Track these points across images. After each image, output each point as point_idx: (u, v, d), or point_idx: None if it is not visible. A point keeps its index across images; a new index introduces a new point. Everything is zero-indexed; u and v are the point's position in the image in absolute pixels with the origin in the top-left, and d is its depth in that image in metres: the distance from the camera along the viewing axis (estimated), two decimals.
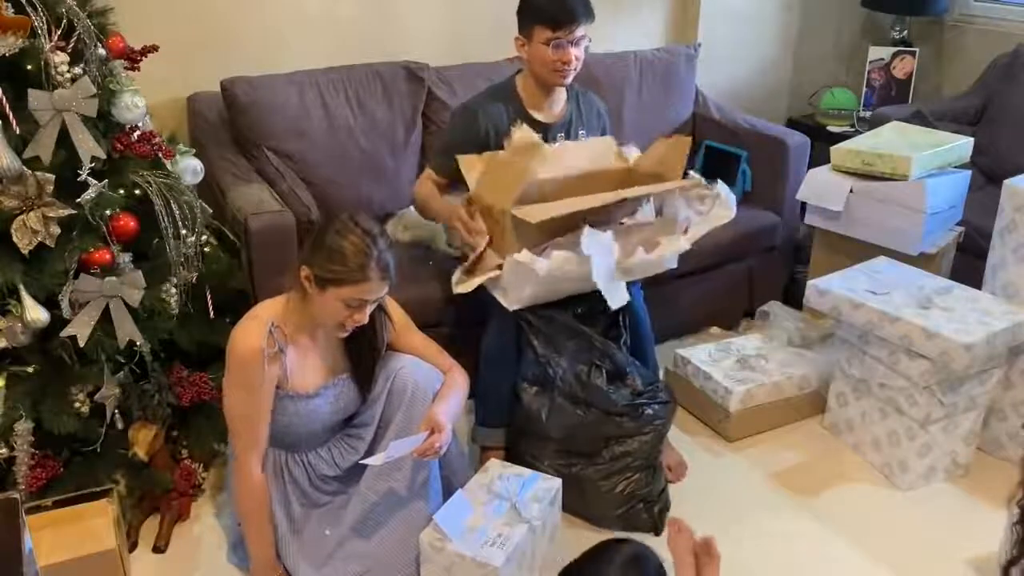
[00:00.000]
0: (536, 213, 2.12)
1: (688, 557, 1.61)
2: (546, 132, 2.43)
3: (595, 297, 2.22)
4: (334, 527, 1.98)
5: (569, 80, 2.41)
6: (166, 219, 2.10)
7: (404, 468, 1.96)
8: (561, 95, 2.48)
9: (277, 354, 1.86)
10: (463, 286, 2.26)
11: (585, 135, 2.51)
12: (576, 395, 2.22)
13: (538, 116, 2.44)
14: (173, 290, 2.17)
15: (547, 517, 2.04)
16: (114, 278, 1.98)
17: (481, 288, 2.27)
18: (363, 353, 2.00)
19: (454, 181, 2.42)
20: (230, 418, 1.89)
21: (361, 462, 1.94)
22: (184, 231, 2.14)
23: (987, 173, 3.21)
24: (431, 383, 2.01)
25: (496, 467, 2.14)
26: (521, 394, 2.29)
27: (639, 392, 2.24)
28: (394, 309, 2.07)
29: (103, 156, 1.97)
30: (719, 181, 2.36)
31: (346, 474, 2.03)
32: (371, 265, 1.80)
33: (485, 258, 2.27)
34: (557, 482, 2.10)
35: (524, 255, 2.12)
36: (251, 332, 1.83)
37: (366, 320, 1.88)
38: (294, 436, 1.98)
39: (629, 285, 2.31)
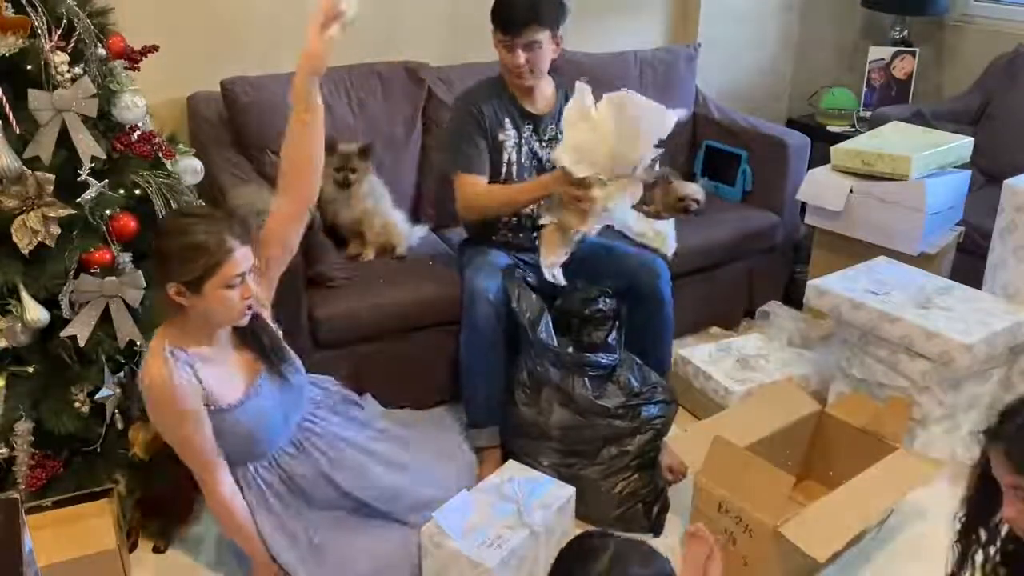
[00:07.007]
0: None
1: (700, 564, 1.60)
2: (536, 123, 2.46)
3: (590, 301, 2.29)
4: (332, 529, 1.96)
5: (527, 82, 2.41)
6: None
7: (407, 465, 1.96)
8: (546, 88, 2.49)
9: (188, 374, 1.79)
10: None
11: None
12: (567, 400, 2.23)
13: (529, 108, 2.46)
14: None
15: (554, 524, 2.01)
16: (114, 278, 1.98)
17: (462, 291, 2.38)
18: (258, 337, 1.92)
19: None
20: (178, 450, 1.85)
21: None
22: None
23: (987, 173, 3.21)
24: None
25: (513, 469, 2.13)
26: (516, 395, 2.30)
27: (636, 393, 2.24)
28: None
29: (103, 156, 1.97)
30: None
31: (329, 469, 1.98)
32: (228, 238, 1.74)
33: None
34: (570, 490, 2.08)
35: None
36: (155, 367, 1.77)
37: (253, 290, 1.80)
38: (253, 445, 1.91)
39: (657, 277, 2.40)
